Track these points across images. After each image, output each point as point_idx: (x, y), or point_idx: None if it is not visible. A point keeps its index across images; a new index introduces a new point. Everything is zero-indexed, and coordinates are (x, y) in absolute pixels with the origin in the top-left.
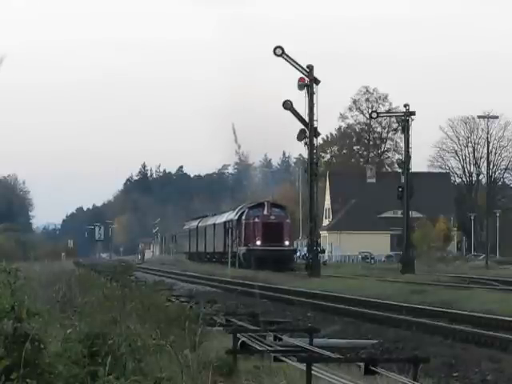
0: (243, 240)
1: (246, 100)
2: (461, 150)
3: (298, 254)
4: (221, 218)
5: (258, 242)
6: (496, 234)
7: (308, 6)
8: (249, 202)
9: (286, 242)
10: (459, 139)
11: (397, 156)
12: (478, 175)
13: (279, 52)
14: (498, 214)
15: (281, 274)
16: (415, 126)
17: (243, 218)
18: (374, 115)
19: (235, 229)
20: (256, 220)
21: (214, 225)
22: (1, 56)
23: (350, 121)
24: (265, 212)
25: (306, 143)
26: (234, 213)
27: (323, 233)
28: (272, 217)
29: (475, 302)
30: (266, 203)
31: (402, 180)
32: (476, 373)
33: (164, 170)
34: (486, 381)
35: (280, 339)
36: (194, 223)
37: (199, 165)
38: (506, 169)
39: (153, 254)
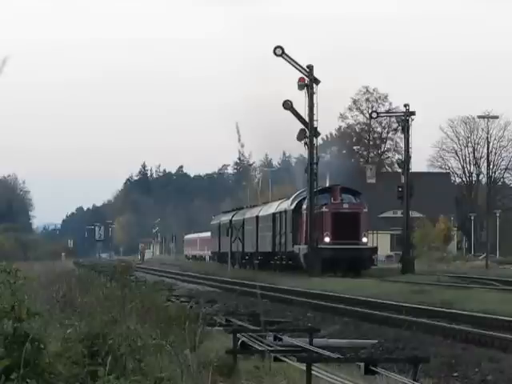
0: (304, 237)
1: (246, 100)
2: (461, 149)
3: None
4: (267, 209)
5: (327, 239)
6: (496, 234)
7: (308, 6)
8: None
9: (364, 239)
10: (459, 139)
11: (397, 156)
12: (478, 175)
13: (279, 52)
14: (498, 214)
15: (280, 275)
16: (415, 125)
17: (304, 207)
18: (374, 115)
19: (291, 222)
20: (323, 210)
21: (257, 217)
22: (4, 56)
23: (350, 121)
24: (334, 199)
25: (305, 143)
26: (289, 201)
27: None
28: (345, 205)
29: (475, 301)
30: (335, 187)
31: (402, 180)
32: (476, 373)
33: (164, 170)
34: (485, 381)
35: (280, 339)
36: (226, 217)
37: (199, 165)
38: (506, 169)
39: (153, 254)
